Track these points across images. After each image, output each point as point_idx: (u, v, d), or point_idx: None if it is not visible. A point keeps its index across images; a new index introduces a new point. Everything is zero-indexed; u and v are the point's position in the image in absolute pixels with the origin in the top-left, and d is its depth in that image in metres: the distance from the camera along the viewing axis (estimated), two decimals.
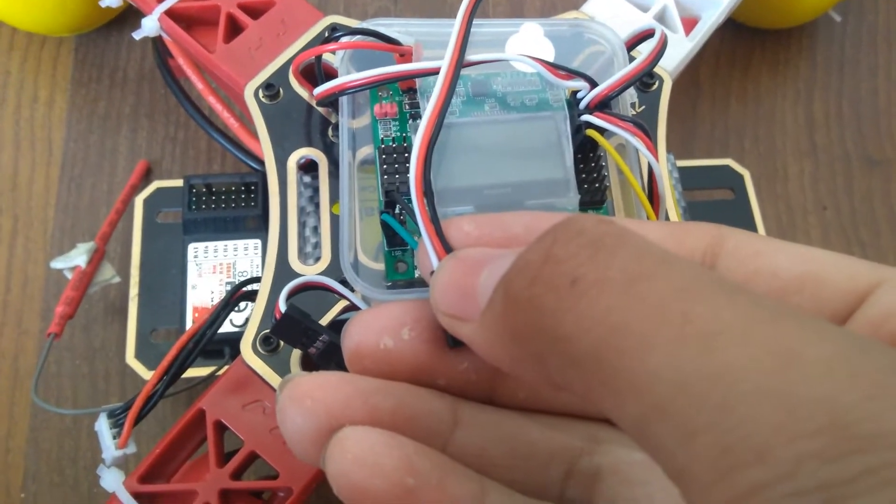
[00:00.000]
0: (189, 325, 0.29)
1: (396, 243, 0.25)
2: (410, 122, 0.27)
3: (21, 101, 0.38)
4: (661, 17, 0.31)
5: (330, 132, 0.28)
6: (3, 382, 0.32)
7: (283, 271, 0.25)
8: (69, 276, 0.31)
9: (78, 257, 0.31)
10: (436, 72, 0.25)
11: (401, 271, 0.25)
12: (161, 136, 0.37)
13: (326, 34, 0.29)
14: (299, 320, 0.22)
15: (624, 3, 0.31)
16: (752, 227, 0.32)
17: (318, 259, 0.27)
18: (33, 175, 0.37)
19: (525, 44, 0.26)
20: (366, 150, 0.27)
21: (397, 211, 0.25)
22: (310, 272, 0.25)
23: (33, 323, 0.33)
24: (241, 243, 0.29)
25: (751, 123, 0.40)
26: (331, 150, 0.28)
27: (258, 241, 0.29)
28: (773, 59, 0.42)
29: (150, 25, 0.29)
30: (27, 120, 0.38)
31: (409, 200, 0.25)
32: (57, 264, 0.31)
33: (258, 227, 0.30)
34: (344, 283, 0.25)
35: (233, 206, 0.30)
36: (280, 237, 0.26)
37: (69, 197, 0.36)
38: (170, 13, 0.29)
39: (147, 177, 0.36)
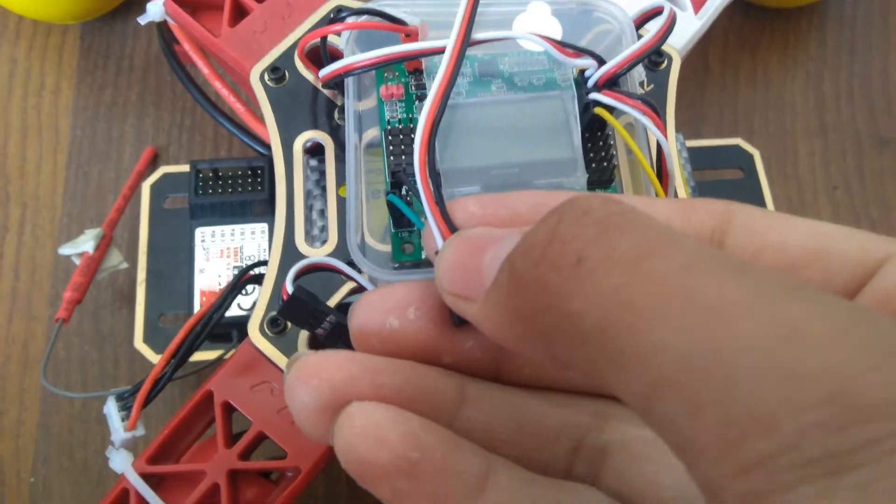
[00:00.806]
0: (197, 309, 0.29)
1: (403, 224, 0.25)
2: (417, 103, 0.26)
3: (28, 89, 0.38)
4: None
5: (336, 115, 0.28)
6: (14, 368, 0.32)
7: (290, 254, 0.25)
8: (77, 262, 0.31)
9: (86, 243, 0.31)
10: (442, 51, 0.25)
11: (407, 252, 0.25)
12: (167, 122, 0.37)
13: (332, 16, 0.29)
14: (306, 301, 0.21)
15: None
16: (762, 206, 0.32)
17: (325, 242, 0.27)
18: (41, 163, 0.37)
19: (532, 22, 0.26)
20: (372, 133, 0.27)
21: (403, 192, 0.25)
22: (317, 254, 0.25)
23: (42, 309, 0.33)
24: (248, 227, 0.29)
25: (760, 104, 0.40)
26: (337, 133, 0.28)
27: (265, 226, 0.29)
28: (782, 38, 0.41)
29: (155, 10, 0.29)
30: (34, 108, 0.38)
31: (416, 181, 0.25)
32: (65, 250, 0.31)
33: (265, 212, 0.30)
34: (351, 264, 0.24)
35: (240, 190, 0.29)
36: (287, 220, 0.26)
37: (76, 184, 0.36)
38: None
39: (154, 163, 0.36)
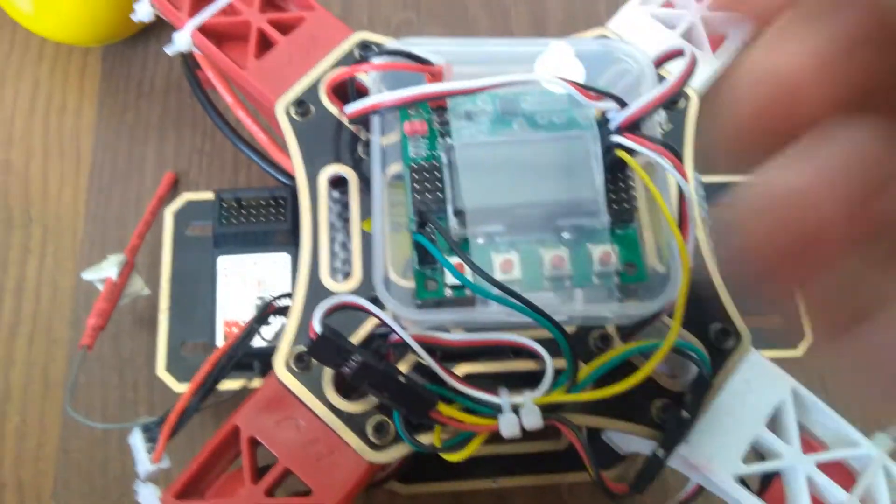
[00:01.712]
0: (220, 338, 0.29)
1: (427, 262, 0.25)
2: (440, 140, 0.27)
3: (50, 110, 0.39)
4: (688, 35, 0.31)
5: (359, 148, 0.28)
6: (34, 392, 0.33)
7: (316, 289, 0.26)
8: (100, 287, 0.31)
9: (109, 269, 0.31)
10: (466, 92, 0.25)
11: (431, 289, 0.25)
12: (188, 146, 0.38)
13: (356, 51, 0.29)
14: (334, 341, 0.22)
15: (650, 20, 0.32)
16: None
17: (346, 275, 0.27)
18: (62, 185, 0.37)
19: (555, 63, 0.26)
20: (395, 167, 0.27)
21: (428, 230, 0.25)
22: (341, 289, 0.26)
23: (63, 332, 0.34)
24: (270, 257, 0.30)
25: None
26: (360, 166, 0.28)
27: (287, 256, 0.30)
28: None
29: (182, 41, 0.30)
30: (56, 129, 0.38)
31: (441, 218, 0.25)
32: (88, 275, 0.31)
33: (287, 241, 0.30)
34: (374, 300, 0.25)
35: (262, 220, 0.30)
36: (312, 255, 0.26)
37: (97, 207, 0.36)
38: (201, 28, 0.30)
39: (174, 187, 0.37)
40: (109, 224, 0.36)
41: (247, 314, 0.29)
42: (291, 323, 0.25)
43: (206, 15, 0.30)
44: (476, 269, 0.22)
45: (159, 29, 0.40)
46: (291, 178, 0.31)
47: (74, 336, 0.34)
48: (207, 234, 0.31)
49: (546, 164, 0.26)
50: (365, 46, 0.29)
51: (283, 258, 0.30)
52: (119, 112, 0.39)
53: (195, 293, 0.30)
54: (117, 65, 0.40)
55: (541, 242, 0.25)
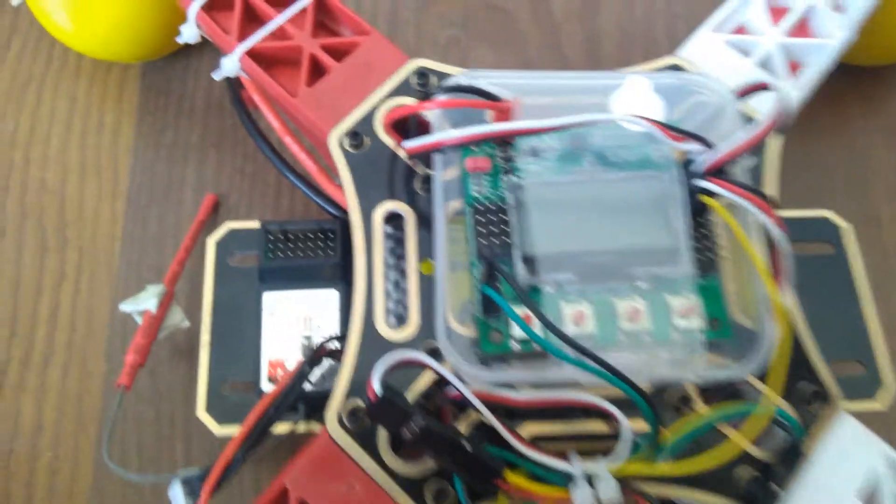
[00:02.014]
0: (264, 377, 0.27)
1: (491, 311, 0.23)
2: (503, 177, 0.25)
3: (87, 127, 0.37)
4: (765, 63, 0.29)
5: (415, 183, 0.26)
6: (68, 426, 0.31)
7: (370, 337, 0.24)
8: (138, 319, 0.30)
9: (147, 301, 0.30)
10: (534, 132, 0.23)
11: (495, 342, 0.23)
12: (229, 168, 0.36)
13: (413, 79, 0.28)
14: (395, 402, 0.20)
15: (724, 48, 0.30)
16: (850, 284, 0.30)
17: (399, 317, 0.25)
18: (99, 205, 0.36)
19: (631, 99, 0.24)
20: (455, 203, 0.25)
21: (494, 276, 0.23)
22: (397, 338, 0.24)
23: (98, 364, 0.32)
24: (317, 293, 0.28)
25: (842, 163, 0.38)
26: (415, 201, 0.26)
27: (335, 292, 0.28)
28: (865, 96, 0.39)
29: (230, 66, 0.28)
30: (93, 147, 0.37)
31: (505, 263, 0.24)
32: (126, 307, 0.30)
33: (334, 276, 0.28)
34: (433, 351, 0.23)
35: (310, 254, 0.28)
36: (366, 299, 0.24)
37: (135, 229, 0.35)
38: (250, 53, 0.28)
39: (215, 210, 0.35)
40: (147, 247, 0.35)
41: (293, 353, 0.28)
42: (344, 374, 0.23)
43: (255, 39, 0.28)
44: (552, 328, 0.20)
45: (200, 46, 0.38)
46: (339, 208, 0.29)
47: (109, 368, 0.32)
48: (250, 265, 0.29)
49: (620, 206, 0.24)
50: (422, 74, 0.28)
51: (332, 294, 0.28)
52: (158, 131, 0.37)
53: (238, 328, 0.28)
54: (157, 82, 0.38)
55: (613, 292, 0.23)
